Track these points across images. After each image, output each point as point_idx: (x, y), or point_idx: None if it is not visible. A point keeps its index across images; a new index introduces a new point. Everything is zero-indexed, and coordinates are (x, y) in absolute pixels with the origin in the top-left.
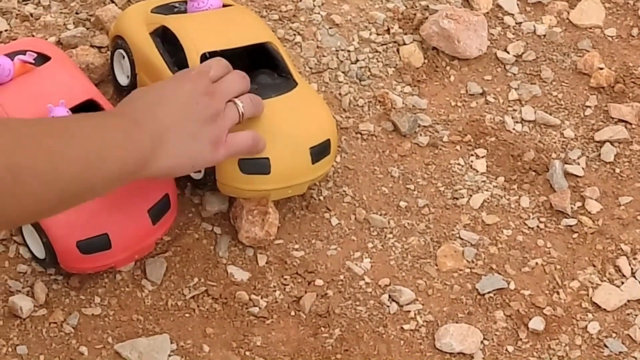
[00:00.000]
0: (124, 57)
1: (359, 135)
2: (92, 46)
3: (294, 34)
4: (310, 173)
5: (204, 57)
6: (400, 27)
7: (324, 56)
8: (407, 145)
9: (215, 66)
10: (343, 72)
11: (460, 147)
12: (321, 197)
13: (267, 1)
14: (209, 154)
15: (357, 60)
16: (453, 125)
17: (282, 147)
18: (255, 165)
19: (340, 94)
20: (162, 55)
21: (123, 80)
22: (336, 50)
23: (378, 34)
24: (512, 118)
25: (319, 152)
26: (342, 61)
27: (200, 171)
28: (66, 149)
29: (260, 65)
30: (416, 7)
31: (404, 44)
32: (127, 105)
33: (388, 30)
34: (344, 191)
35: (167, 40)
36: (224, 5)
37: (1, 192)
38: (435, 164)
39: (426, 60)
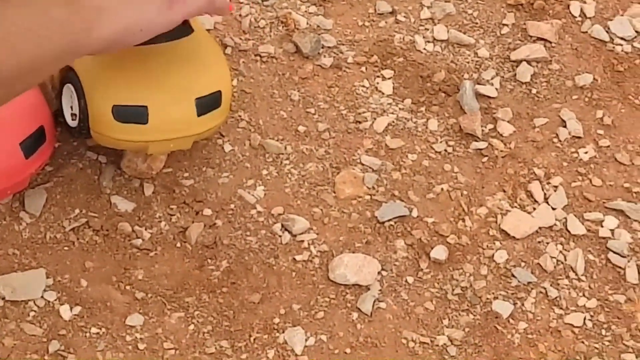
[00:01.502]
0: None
1: (258, 58)
2: None
3: None
4: (195, 126)
5: None
6: None
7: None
8: (309, 67)
9: None
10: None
11: (366, 68)
12: None
13: None
14: (161, 14)
15: None
16: (359, 45)
17: (162, 95)
18: (132, 113)
19: (240, 15)
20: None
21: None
22: None
23: None
24: (424, 38)
25: (207, 104)
26: None
27: (74, 118)
28: None
29: None
30: None
31: None
32: None
33: None
34: (239, 116)
35: None
36: None
37: None
38: (338, 87)
39: None
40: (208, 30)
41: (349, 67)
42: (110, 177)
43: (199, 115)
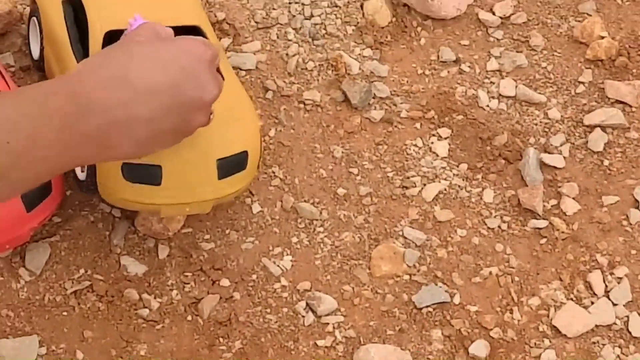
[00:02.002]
0: (36, 25)
1: (302, 105)
2: None
3: None
4: (215, 190)
5: (109, 37)
6: None
7: (274, 9)
8: (356, 119)
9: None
10: (294, 29)
11: (421, 124)
12: None
13: None
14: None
15: (312, 16)
16: (415, 98)
17: (179, 154)
18: (143, 172)
19: (287, 54)
20: (67, 28)
21: (36, 52)
22: (289, 3)
23: None
24: (488, 92)
25: (230, 166)
26: (294, 16)
27: (83, 170)
28: None
29: None
30: None
31: None
32: (87, 73)
33: None
34: (273, 172)
35: (81, 10)
36: None
37: None
38: (387, 144)
39: (394, 19)
40: (249, 70)
41: (402, 122)
42: (122, 235)
43: (220, 178)
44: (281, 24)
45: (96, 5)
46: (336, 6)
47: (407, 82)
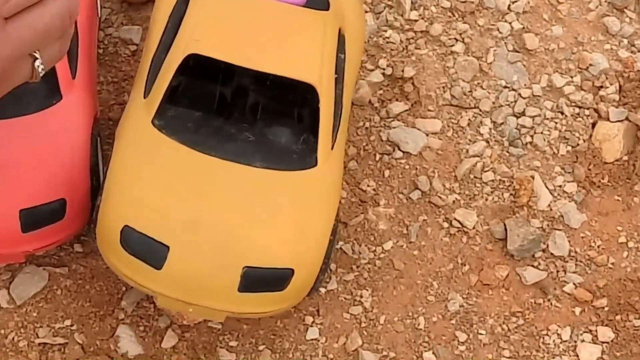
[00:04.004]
0: None
1: (447, 225)
2: None
3: (455, 39)
4: (231, 302)
5: (189, 62)
6: (619, 92)
7: (481, 87)
8: (504, 271)
9: None
10: (493, 122)
11: (582, 311)
12: None
13: None
14: None
15: (524, 114)
16: (596, 272)
17: (196, 238)
18: (146, 247)
19: (467, 151)
20: (168, 20)
21: None
22: (504, 86)
23: (580, 89)
24: None
25: (262, 280)
26: (501, 105)
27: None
28: None
29: (279, 111)
30: None
31: (607, 119)
32: None
33: (598, 89)
34: (361, 296)
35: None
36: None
37: None
38: (524, 319)
39: (626, 157)
40: (408, 153)
41: (560, 297)
42: (135, 299)
43: (242, 290)
44: (480, 110)
45: (193, 19)
46: (561, 113)
47: (599, 247)
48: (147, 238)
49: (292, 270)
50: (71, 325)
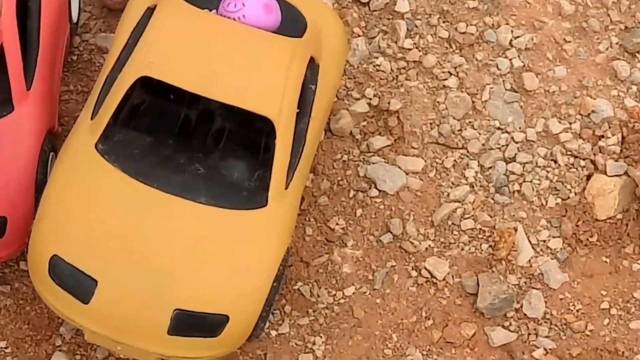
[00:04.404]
0: None
1: (415, 274)
2: None
3: (449, 73)
4: (160, 344)
5: (152, 82)
6: (620, 143)
7: (472, 127)
8: (470, 329)
9: None
10: (480, 165)
11: None
12: None
13: (448, 6)
14: None
15: (514, 160)
16: (572, 340)
17: (126, 274)
18: (73, 279)
19: (448, 194)
20: (130, 35)
21: None
22: (497, 127)
23: (578, 137)
24: None
25: (193, 324)
26: (491, 148)
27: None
28: None
29: (242, 141)
30: None
31: (604, 172)
32: None
33: (598, 138)
34: (313, 343)
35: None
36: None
37: None
38: None
39: (620, 217)
40: (384, 192)
41: None
42: (73, 327)
43: (172, 333)
44: (468, 152)
45: (150, 41)
46: (554, 162)
47: (578, 312)
48: (76, 270)
49: (227, 317)
50: (6, 348)
